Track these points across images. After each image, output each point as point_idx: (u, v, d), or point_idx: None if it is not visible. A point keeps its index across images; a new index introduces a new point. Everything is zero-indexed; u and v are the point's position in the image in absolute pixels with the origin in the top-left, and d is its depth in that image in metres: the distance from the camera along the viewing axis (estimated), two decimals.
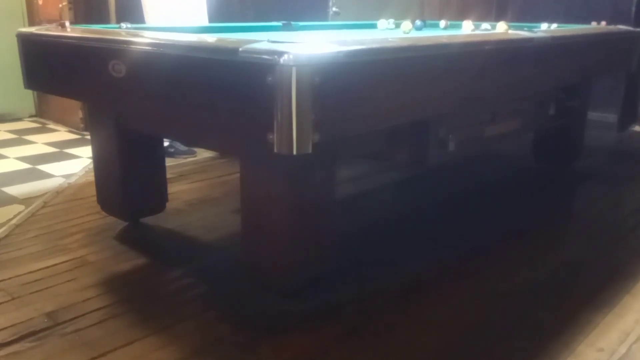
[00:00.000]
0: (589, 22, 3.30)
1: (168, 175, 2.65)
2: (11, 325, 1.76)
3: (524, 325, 1.82)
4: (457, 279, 2.12)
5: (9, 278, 2.07)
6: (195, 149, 3.72)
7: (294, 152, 1.45)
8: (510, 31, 2.53)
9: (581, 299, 1.97)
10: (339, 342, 1.71)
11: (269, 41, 1.52)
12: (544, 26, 3.03)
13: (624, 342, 1.71)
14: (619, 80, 4.30)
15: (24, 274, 2.10)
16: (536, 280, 2.11)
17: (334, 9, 4.73)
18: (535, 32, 2.51)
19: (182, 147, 3.67)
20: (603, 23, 3.28)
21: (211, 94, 1.64)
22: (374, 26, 3.44)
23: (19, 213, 2.72)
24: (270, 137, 1.45)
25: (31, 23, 4.82)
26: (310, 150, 1.46)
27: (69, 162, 3.70)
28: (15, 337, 1.70)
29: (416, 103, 1.86)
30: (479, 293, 2.02)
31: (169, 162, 3.02)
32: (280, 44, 1.48)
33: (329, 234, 1.94)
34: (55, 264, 2.18)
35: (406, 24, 2.78)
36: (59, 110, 4.78)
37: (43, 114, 5.10)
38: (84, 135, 4.37)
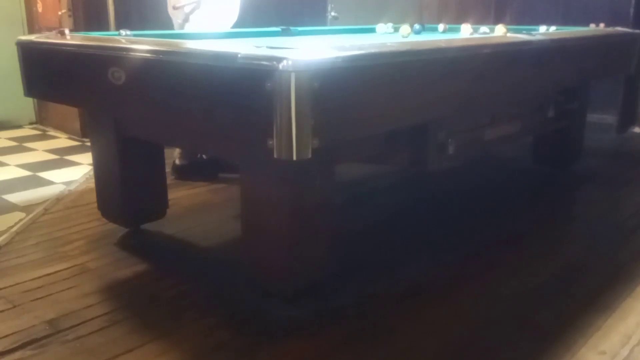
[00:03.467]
0: (587, 25, 3.30)
1: (168, 181, 2.65)
2: (12, 333, 1.76)
3: (525, 328, 1.81)
4: (457, 282, 2.12)
5: (10, 285, 2.07)
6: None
7: (294, 158, 1.45)
8: (508, 34, 2.54)
9: (582, 301, 1.97)
10: (340, 347, 1.71)
11: (267, 47, 1.53)
12: (542, 29, 3.03)
13: (626, 345, 1.71)
14: (618, 82, 4.31)
15: (25, 281, 2.10)
16: (537, 283, 2.11)
17: (332, 13, 4.74)
18: (534, 35, 2.52)
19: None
20: (601, 25, 3.28)
21: (210, 100, 1.65)
22: (372, 30, 3.45)
23: (20, 220, 2.72)
24: (270, 142, 1.46)
25: (30, 31, 4.83)
26: (309, 155, 1.47)
27: (70, 169, 3.70)
28: (16, 345, 1.70)
29: (415, 107, 1.87)
30: (480, 296, 2.02)
31: (169, 167, 3.02)
32: (279, 49, 1.48)
33: (328, 238, 1.94)
34: (56, 271, 2.18)
35: (405, 28, 2.80)
36: (59, 117, 4.79)
37: (43, 121, 5.11)
38: (84, 142, 4.37)
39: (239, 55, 1.50)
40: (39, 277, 2.13)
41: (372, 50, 1.68)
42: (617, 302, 1.95)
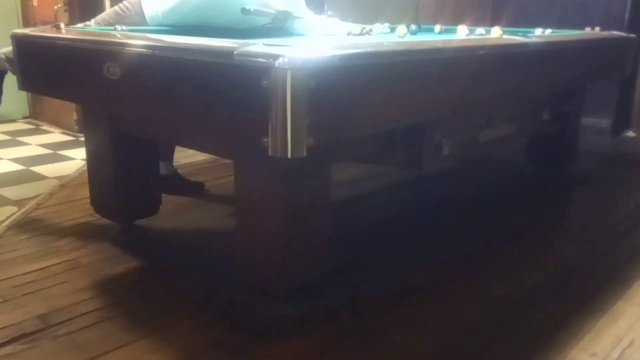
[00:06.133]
0: (582, 28, 3.31)
1: None
2: (3, 328, 1.75)
3: (518, 330, 1.82)
4: (451, 283, 2.12)
5: (1, 280, 2.05)
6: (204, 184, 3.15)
7: (289, 156, 1.45)
8: (504, 36, 2.54)
9: (574, 303, 1.97)
10: (334, 346, 1.71)
11: (264, 44, 1.53)
12: (538, 31, 3.04)
13: (617, 347, 1.72)
14: (612, 86, 4.32)
15: (16, 275, 2.09)
16: (530, 284, 2.12)
17: (328, 12, 4.74)
18: (530, 37, 2.52)
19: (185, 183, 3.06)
20: (597, 29, 3.29)
21: (206, 97, 1.64)
22: None
23: (12, 215, 2.70)
24: (265, 140, 1.45)
25: (26, 25, 4.80)
26: (305, 154, 1.46)
27: (63, 163, 3.68)
28: (6, 339, 1.69)
29: (411, 107, 1.87)
30: (473, 297, 2.02)
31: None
32: (275, 47, 1.48)
33: (323, 237, 1.94)
34: (48, 266, 2.17)
35: (401, 28, 2.79)
36: (53, 111, 4.76)
37: (37, 116, 5.08)
38: (78, 137, 4.35)
39: (235, 52, 1.50)
40: (31, 272, 2.12)
41: (369, 50, 1.68)
42: (609, 305, 1.96)
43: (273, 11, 2.54)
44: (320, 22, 2.80)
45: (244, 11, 2.47)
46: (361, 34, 2.70)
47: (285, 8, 2.62)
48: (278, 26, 2.64)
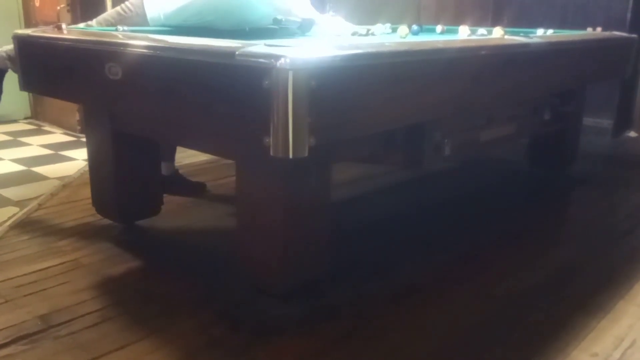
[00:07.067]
0: (584, 28, 3.31)
1: None
2: (4, 328, 1.75)
3: (519, 330, 1.82)
4: (452, 283, 2.12)
5: (3, 280, 2.06)
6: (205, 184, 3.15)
7: (290, 156, 1.45)
8: (506, 36, 2.54)
9: (575, 303, 1.97)
10: (334, 346, 1.71)
11: (265, 44, 1.53)
12: (539, 32, 3.04)
13: (618, 348, 1.72)
14: (613, 86, 4.32)
15: (18, 276, 2.09)
16: (530, 285, 2.12)
17: (330, 13, 4.74)
18: (531, 38, 2.52)
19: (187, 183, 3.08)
20: (598, 29, 3.30)
21: (207, 97, 1.64)
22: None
23: (14, 215, 2.71)
24: (267, 140, 1.46)
25: (27, 25, 4.81)
26: (306, 154, 1.47)
27: (64, 164, 3.69)
28: (8, 340, 1.69)
29: (412, 107, 1.87)
30: (474, 297, 2.02)
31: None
32: (277, 47, 1.48)
33: (324, 237, 1.95)
34: (49, 267, 2.17)
35: (403, 29, 2.79)
36: (55, 112, 4.77)
37: (38, 116, 5.08)
38: (79, 137, 4.36)
39: (237, 53, 1.50)
40: (32, 272, 2.12)
41: (370, 50, 1.68)
42: (610, 305, 1.96)
43: (299, 19, 2.57)
44: (325, 23, 2.82)
45: (276, 21, 2.52)
46: (367, 34, 2.73)
47: (289, 7, 2.63)
48: (302, 33, 2.66)
